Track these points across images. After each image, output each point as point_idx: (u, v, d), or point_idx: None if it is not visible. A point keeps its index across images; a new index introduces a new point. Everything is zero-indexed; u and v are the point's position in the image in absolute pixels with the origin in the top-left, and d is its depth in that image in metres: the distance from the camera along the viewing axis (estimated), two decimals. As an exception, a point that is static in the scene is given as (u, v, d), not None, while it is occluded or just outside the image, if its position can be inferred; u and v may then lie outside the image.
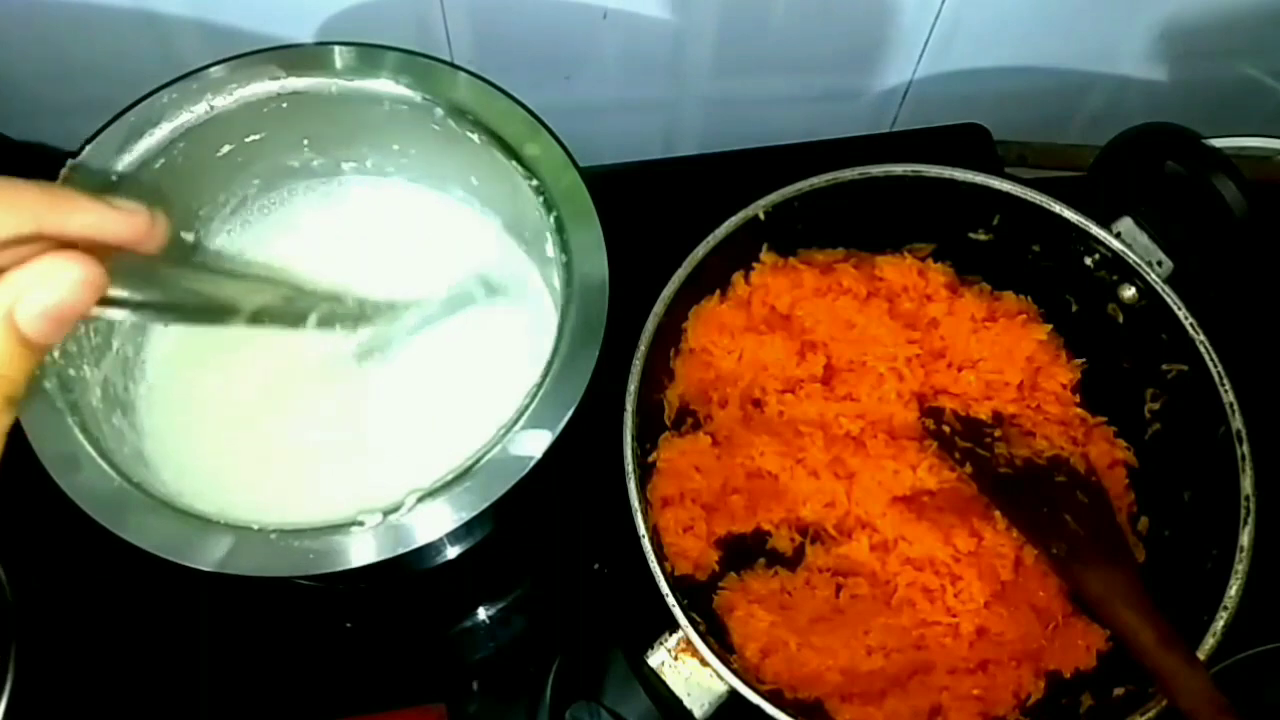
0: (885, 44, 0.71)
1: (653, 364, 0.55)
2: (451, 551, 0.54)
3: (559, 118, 0.55)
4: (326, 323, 0.53)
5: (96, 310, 0.35)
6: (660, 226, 0.58)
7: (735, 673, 0.50)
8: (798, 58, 0.71)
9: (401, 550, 0.46)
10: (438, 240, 0.61)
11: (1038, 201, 0.58)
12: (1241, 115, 0.79)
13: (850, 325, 0.60)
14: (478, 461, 0.47)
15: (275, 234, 0.60)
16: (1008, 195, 0.59)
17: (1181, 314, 0.56)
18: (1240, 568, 0.51)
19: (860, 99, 0.76)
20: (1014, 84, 0.75)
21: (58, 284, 0.33)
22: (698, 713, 0.50)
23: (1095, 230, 0.58)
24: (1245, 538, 0.51)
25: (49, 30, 0.61)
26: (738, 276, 0.61)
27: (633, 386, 0.54)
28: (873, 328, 0.60)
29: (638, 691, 0.51)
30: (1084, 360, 0.61)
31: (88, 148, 0.53)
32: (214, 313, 0.47)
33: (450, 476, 0.47)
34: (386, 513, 0.46)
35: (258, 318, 0.49)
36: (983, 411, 0.60)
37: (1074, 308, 0.62)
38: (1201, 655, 0.50)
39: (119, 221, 0.37)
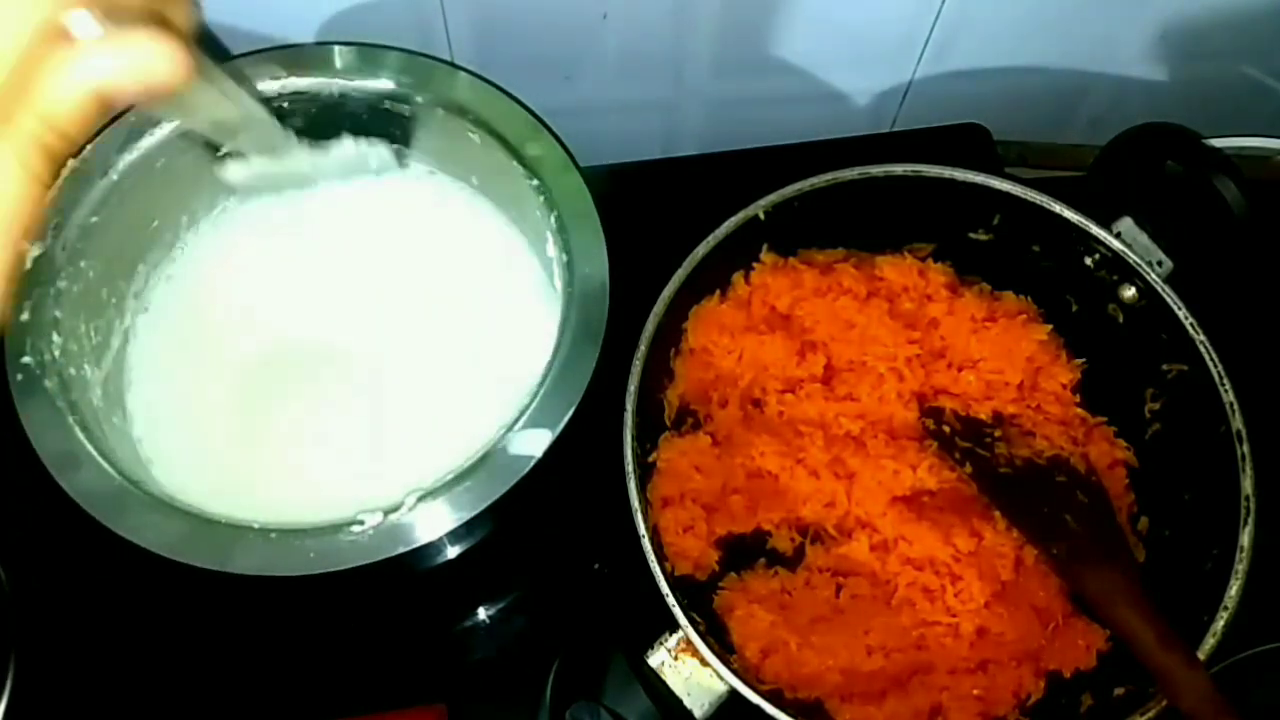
0: (885, 44, 0.71)
1: (653, 364, 0.55)
2: (451, 551, 0.54)
3: (559, 118, 0.55)
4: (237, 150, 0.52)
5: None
6: (660, 226, 0.58)
7: (735, 673, 0.50)
8: (798, 58, 0.71)
9: (401, 550, 0.46)
10: (438, 238, 0.61)
11: (1038, 201, 0.58)
12: (1241, 115, 0.78)
13: (850, 325, 0.60)
14: (478, 461, 0.47)
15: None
16: (1008, 195, 0.59)
17: (1181, 314, 0.56)
18: (1240, 568, 0.51)
19: (860, 99, 0.76)
20: (1014, 84, 0.75)
21: (162, 57, 0.32)
22: (698, 713, 0.50)
23: (1095, 230, 0.58)
24: (1245, 538, 0.51)
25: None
26: (738, 276, 0.61)
27: (633, 386, 0.54)
28: (873, 328, 0.60)
29: (638, 691, 0.51)
30: (1084, 360, 0.61)
31: (88, 147, 0.53)
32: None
33: (450, 476, 0.47)
34: (386, 513, 0.46)
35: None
36: (983, 411, 0.60)
37: (1074, 308, 0.62)
38: (1201, 655, 0.50)
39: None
